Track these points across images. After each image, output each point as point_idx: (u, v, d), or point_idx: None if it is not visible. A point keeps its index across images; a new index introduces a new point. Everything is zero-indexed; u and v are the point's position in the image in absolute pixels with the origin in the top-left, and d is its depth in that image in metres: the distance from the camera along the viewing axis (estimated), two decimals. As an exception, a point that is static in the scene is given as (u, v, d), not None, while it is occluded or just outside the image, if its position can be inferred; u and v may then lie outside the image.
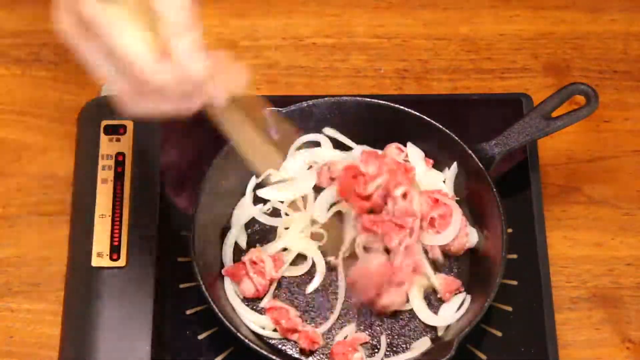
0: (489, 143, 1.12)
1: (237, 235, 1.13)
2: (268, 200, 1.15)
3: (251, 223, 1.14)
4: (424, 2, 1.33)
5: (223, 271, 1.09)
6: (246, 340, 1.01)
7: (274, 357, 1.00)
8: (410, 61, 1.29)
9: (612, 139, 1.24)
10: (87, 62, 0.84)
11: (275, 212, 1.14)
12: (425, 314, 1.07)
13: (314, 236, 1.12)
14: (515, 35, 1.31)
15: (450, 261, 1.12)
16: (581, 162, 1.22)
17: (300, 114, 1.15)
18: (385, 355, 1.06)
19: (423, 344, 1.06)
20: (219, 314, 1.02)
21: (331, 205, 1.13)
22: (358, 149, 1.15)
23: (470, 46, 1.30)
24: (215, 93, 0.86)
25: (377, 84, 1.27)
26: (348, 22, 1.32)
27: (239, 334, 1.01)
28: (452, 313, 1.07)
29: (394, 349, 1.07)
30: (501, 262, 1.04)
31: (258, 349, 1.01)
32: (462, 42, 1.31)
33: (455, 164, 1.14)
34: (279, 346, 1.07)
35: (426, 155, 1.16)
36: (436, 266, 1.10)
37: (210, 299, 1.02)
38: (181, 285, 1.10)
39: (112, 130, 1.18)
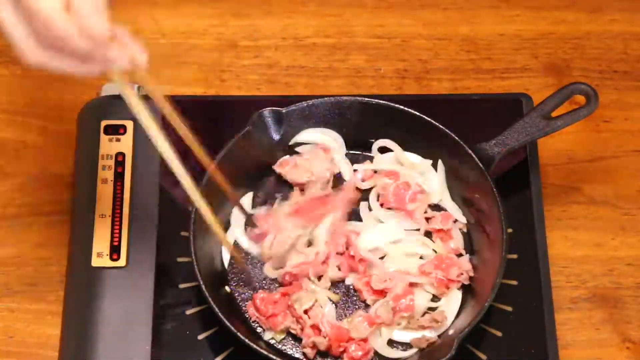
0: (488, 143, 1.12)
1: (237, 234, 1.13)
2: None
3: (251, 222, 1.14)
4: (424, 2, 1.33)
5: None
6: (246, 341, 1.01)
7: (274, 357, 1.00)
8: (410, 61, 1.29)
9: (612, 139, 1.24)
10: None
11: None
12: None
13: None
14: (515, 35, 1.31)
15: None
16: (581, 162, 1.23)
17: (300, 114, 1.15)
18: None
19: None
20: (219, 313, 1.02)
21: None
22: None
23: (470, 46, 1.30)
24: (114, 57, 0.85)
25: (377, 84, 1.27)
26: (348, 22, 1.32)
27: (239, 334, 1.01)
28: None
29: None
30: (501, 262, 1.04)
31: (258, 348, 1.01)
32: (462, 42, 1.31)
33: (440, 165, 1.14)
34: (280, 346, 1.07)
35: (426, 156, 1.16)
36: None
37: (210, 299, 1.02)
38: (181, 285, 1.10)
39: (112, 130, 1.18)
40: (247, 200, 1.15)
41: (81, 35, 0.82)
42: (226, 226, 1.13)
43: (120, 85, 0.89)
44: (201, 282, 1.03)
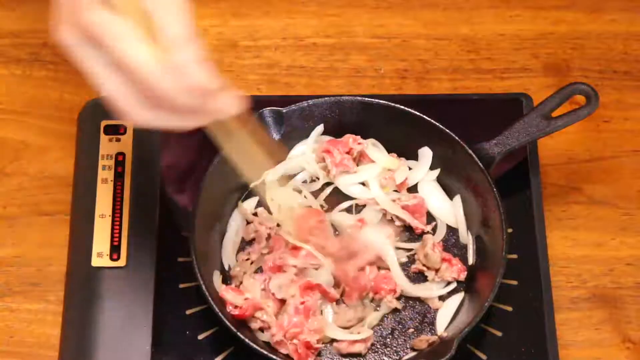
0: (489, 143, 1.12)
1: (237, 234, 1.13)
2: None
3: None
4: (424, 2, 1.33)
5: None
6: (246, 340, 1.01)
7: (274, 357, 1.00)
8: (410, 61, 1.29)
9: (612, 139, 1.24)
10: (88, 72, 0.84)
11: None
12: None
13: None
14: (515, 35, 1.31)
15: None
16: (581, 162, 1.23)
17: (300, 114, 1.15)
18: None
19: None
20: (219, 313, 1.02)
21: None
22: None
23: (470, 46, 1.30)
24: (218, 108, 0.85)
25: (377, 84, 1.27)
26: (348, 22, 1.32)
27: (239, 334, 1.01)
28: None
29: None
30: (501, 262, 1.04)
31: (258, 348, 1.01)
32: (462, 42, 1.31)
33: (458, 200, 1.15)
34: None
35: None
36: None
37: (210, 299, 1.02)
38: (181, 285, 1.10)
39: (112, 130, 1.18)
40: (251, 202, 1.15)
41: (184, 92, 0.81)
42: (227, 226, 1.13)
43: (217, 132, 0.91)
44: (201, 282, 1.03)
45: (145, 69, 0.81)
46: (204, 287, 1.03)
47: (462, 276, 1.10)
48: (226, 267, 1.11)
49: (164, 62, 0.81)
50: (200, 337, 1.08)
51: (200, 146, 1.15)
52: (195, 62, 0.82)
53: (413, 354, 1.06)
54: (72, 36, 0.82)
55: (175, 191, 1.15)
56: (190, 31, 0.82)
